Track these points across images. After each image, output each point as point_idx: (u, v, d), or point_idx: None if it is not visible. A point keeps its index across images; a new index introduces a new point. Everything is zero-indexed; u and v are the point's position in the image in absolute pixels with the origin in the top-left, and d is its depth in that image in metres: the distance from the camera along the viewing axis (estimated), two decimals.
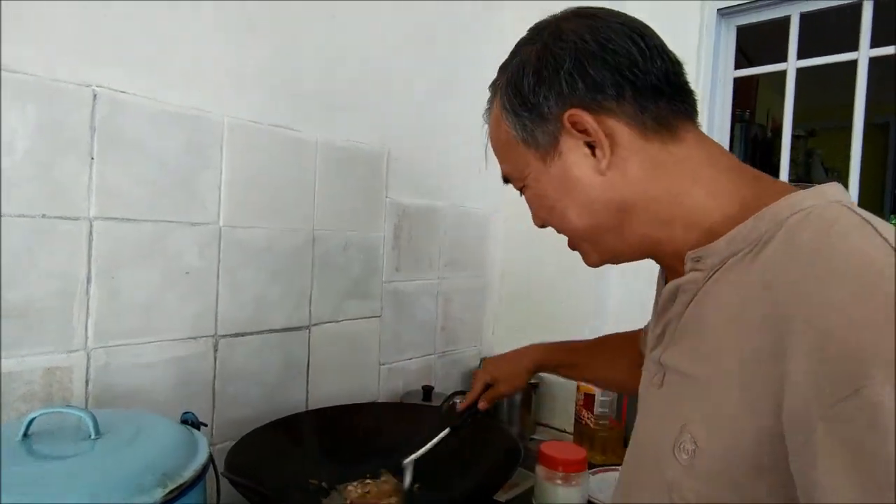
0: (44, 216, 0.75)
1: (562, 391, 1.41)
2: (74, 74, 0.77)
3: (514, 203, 1.59)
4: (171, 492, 0.49)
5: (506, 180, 0.59)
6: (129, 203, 0.83)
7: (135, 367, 0.84)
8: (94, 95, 0.78)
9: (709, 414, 0.43)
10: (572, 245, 0.57)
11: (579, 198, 0.50)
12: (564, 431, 1.41)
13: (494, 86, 0.56)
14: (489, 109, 0.58)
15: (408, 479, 0.87)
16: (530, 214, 0.59)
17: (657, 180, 0.49)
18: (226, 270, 0.95)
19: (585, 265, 0.57)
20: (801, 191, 0.44)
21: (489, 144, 0.60)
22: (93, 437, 0.53)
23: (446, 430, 0.87)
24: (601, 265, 0.56)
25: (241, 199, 0.96)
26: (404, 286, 1.29)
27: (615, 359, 0.88)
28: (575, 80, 0.48)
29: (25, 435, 0.54)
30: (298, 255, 1.06)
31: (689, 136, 0.50)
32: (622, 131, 0.48)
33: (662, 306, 0.52)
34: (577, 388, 1.29)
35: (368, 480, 0.96)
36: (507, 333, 1.56)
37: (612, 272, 1.46)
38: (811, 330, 0.35)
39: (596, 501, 1.04)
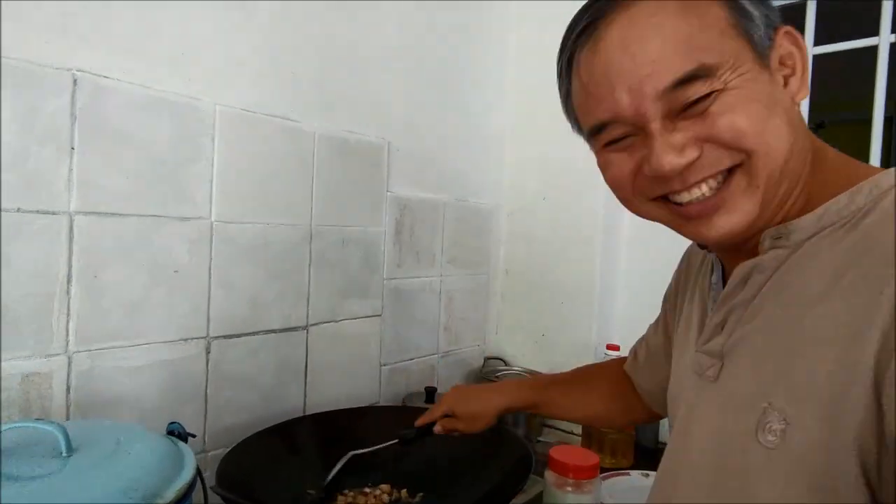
0: (19, 210, 0.69)
1: None
2: (53, 57, 0.71)
3: (517, 198, 1.55)
4: None
5: (689, 78, 0.41)
6: (112, 196, 0.77)
7: (120, 372, 0.79)
8: (75, 80, 0.73)
9: (799, 384, 0.40)
10: (722, 196, 0.44)
11: (784, 116, 0.43)
12: (572, 433, 1.37)
13: None
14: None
15: (336, 469, 0.85)
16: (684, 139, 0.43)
17: (802, 130, 0.46)
18: (218, 268, 0.89)
19: (709, 235, 0.45)
20: None
21: (646, 46, 0.43)
22: (64, 454, 0.48)
23: (395, 441, 0.84)
24: (744, 225, 0.44)
25: (234, 193, 0.91)
26: (406, 284, 1.24)
27: (588, 393, 0.85)
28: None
29: None
30: (295, 252, 1.01)
31: None
32: None
33: (730, 291, 0.48)
34: None
35: (367, 489, 0.92)
36: (510, 332, 1.52)
37: (620, 266, 1.42)
38: None
39: None
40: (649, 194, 0.46)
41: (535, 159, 1.45)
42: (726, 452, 0.45)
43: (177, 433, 0.61)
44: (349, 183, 1.10)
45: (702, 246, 0.60)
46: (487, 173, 1.45)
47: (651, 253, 1.32)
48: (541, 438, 1.34)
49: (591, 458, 0.99)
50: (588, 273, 1.37)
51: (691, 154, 0.42)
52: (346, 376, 1.12)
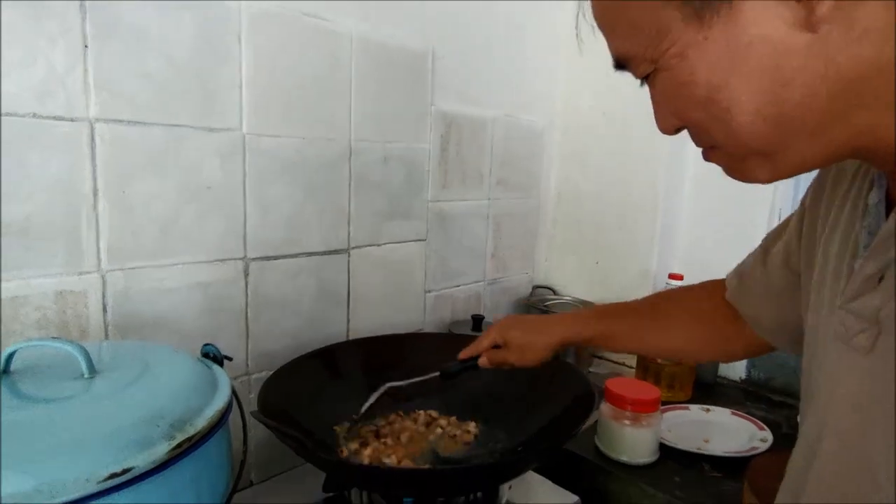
0: (35, 116, 0.63)
1: None
2: None
3: (572, 114, 1.41)
4: (179, 444, 0.40)
5: (620, 65, 0.39)
6: (134, 103, 0.70)
7: (157, 293, 0.75)
8: None
9: None
10: (722, 158, 0.38)
11: (763, 77, 0.32)
12: (624, 365, 1.30)
13: None
14: None
15: (371, 400, 0.80)
16: (655, 116, 0.39)
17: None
18: (253, 185, 0.83)
19: (740, 181, 0.39)
20: None
21: (584, 14, 0.40)
22: (86, 375, 0.44)
23: (436, 374, 0.77)
24: (773, 181, 0.37)
25: (266, 102, 0.83)
26: (451, 207, 1.16)
27: (668, 323, 0.70)
28: None
29: (6, 371, 0.45)
30: (334, 169, 0.94)
31: None
32: None
33: (889, 235, 0.34)
34: None
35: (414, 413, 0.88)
36: (561, 259, 1.43)
37: (685, 186, 1.29)
38: None
39: (666, 442, 0.94)
40: None
41: (592, 70, 1.29)
42: (854, 455, 0.35)
43: (211, 356, 0.56)
44: (390, 94, 1.00)
45: None
46: (540, 86, 1.31)
47: (721, 170, 1.19)
48: (592, 369, 1.29)
49: (652, 391, 0.92)
50: (650, 194, 1.25)
51: (672, 123, 0.39)
52: (389, 302, 1.07)
